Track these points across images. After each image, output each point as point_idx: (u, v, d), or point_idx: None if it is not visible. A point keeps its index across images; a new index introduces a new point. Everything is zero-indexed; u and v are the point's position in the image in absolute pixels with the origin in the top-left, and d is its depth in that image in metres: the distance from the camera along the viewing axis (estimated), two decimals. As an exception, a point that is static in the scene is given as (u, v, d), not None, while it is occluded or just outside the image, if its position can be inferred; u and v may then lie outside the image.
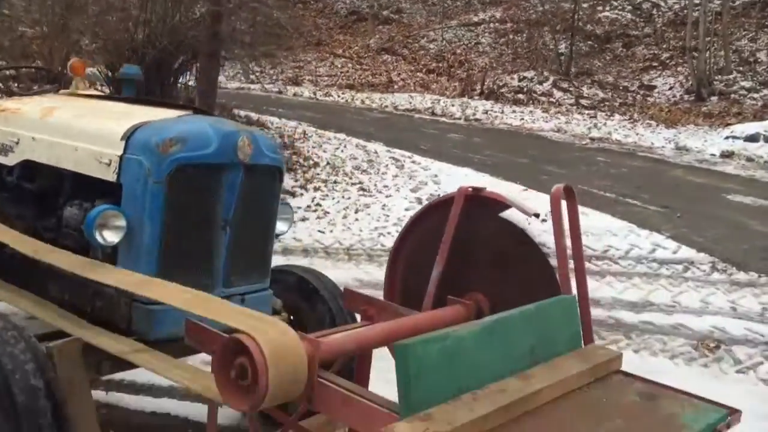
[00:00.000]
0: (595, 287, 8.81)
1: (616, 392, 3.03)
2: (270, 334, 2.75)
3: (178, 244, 3.78)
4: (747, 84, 25.11)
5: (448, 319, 3.57)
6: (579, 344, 3.34)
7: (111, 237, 3.69)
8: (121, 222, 3.69)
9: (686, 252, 9.98)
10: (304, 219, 12.32)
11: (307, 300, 4.79)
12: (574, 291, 3.41)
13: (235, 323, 2.83)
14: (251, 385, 2.70)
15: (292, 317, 4.86)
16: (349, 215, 12.44)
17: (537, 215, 3.51)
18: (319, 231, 11.58)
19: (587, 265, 10.13)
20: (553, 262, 3.53)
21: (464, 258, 3.91)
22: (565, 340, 3.26)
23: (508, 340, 2.96)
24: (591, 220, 11.16)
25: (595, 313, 8.26)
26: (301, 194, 12.74)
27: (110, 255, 3.83)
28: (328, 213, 12.56)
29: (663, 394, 3.05)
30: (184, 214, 3.78)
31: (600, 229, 10.82)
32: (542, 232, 3.84)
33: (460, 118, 23.49)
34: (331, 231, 11.63)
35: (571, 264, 3.46)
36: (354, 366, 3.78)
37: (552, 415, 2.74)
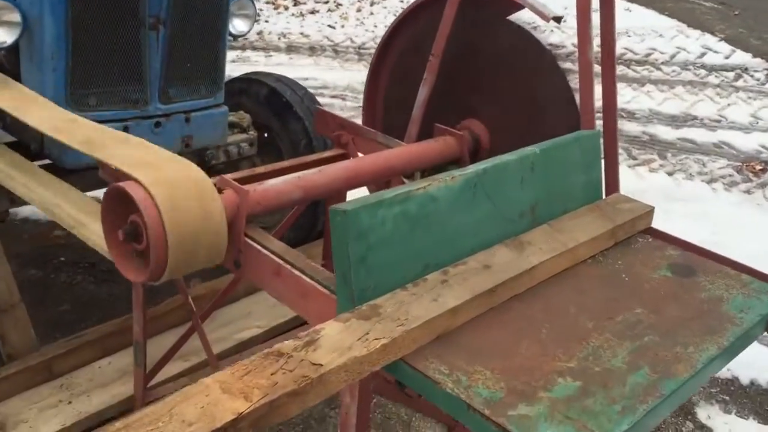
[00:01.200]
0: (632, 97, 7.83)
1: (641, 264, 2.29)
2: (166, 178, 2.01)
3: (91, 47, 2.95)
4: None
5: (434, 154, 2.79)
6: (599, 195, 2.56)
7: (3, 36, 2.86)
8: (15, 16, 2.84)
9: (740, 57, 8.77)
10: (313, 11, 11.14)
11: (279, 116, 4.00)
12: (599, 124, 2.56)
13: (118, 162, 2.09)
14: (147, 249, 2.01)
15: (266, 135, 4.12)
16: (363, 8, 11.22)
17: (558, 19, 2.57)
18: (329, 26, 10.47)
19: (624, 70, 9.06)
20: (576, 82, 2.65)
21: (459, 75, 3.04)
22: (579, 191, 2.47)
23: (501, 196, 2.18)
24: (633, 17, 9.83)
25: (629, 127, 7.36)
26: (311, -18, 11.46)
27: (11, 62, 3.03)
28: (341, 5, 11.34)
29: (703, 267, 2.31)
30: (94, 6, 2.90)
31: (643, 28, 9.53)
32: (564, 40, 2.91)
33: None
34: (343, 26, 10.50)
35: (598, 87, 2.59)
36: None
37: (551, 302, 2.03)
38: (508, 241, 2.18)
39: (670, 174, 6.28)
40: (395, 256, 1.89)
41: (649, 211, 2.52)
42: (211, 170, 4.00)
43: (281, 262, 2.08)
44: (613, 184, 2.62)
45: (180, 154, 3.42)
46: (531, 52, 2.78)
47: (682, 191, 5.96)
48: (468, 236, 2.09)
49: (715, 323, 2.00)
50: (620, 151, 6.71)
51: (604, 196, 2.59)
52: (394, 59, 3.32)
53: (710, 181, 6.20)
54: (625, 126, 7.23)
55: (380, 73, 3.39)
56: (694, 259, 2.36)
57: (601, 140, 2.57)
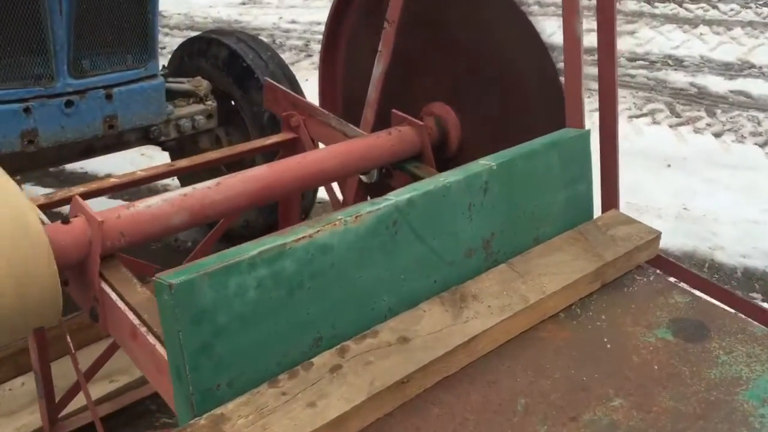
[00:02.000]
0: (681, 41, 6.95)
1: (633, 320, 1.70)
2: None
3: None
4: None
5: (384, 151, 2.19)
6: (587, 214, 1.95)
7: None
8: None
9: (811, -7, 7.74)
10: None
11: (239, 84, 3.43)
12: (591, 122, 1.93)
13: None
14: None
15: (233, 104, 3.56)
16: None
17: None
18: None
19: (675, 9, 8.04)
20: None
21: (424, 48, 2.42)
22: (559, 212, 1.87)
23: (437, 231, 1.60)
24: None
25: (675, 77, 6.52)
26: None
27: None
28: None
29: (719, 323, 1.70)
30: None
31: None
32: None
33: None
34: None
35: (592, 69, 1.94)
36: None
37: (493, 391, 1.47)
38: (445, 295, 1.61)
39: (717, 135, 5.50)
40: (263, 335, 1.34)
41: (654, 239, 1.90)
42: (164, 148, 3.50)
43: (137, 322, 1.56)
44: (610, 200, 2.00)
45: (103, 137, 2.94)
46: (516, 21, 2.13)
47: (730, 157, 5.20)
48: (384, 292, 1.52)
49: (724, 427, 1.42)
50: (661, 107, 5.94)
51: (596, 215, 1.98)
52: (349, 29, 2.70)
53: (765, 144, 5.40)
54: (671, 76, 6.42)
55: (334, 48, 2.78)
56: (708, 310, 1.75)
57: (589, 142, 1.93)
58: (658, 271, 1.88)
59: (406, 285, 1.56)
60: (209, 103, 3.45)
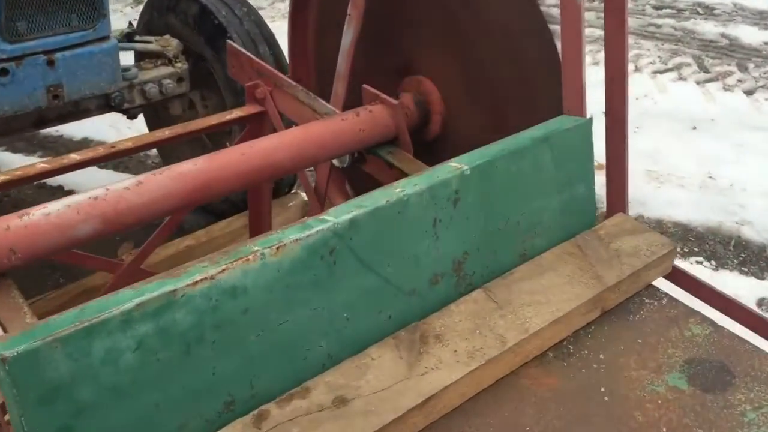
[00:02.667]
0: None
1: (637, 361, 1.37)
2: None
3: None
4: None
5: (351, 136, 1.84)
6: (589, 220, 1.60)
7: None
8: None
9: None
10: None
11: (211, 43, 3.07)
12: (594, 105, 1.56)
13: None
14: None
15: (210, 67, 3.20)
16: None
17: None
18: None
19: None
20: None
21: (400, 11, 2.04)
22: (551, 221, 1.52)
23: (390, 257, 1.27)
24: None
25: (705, 28, 6.01)
26: None
27: None
28: None
29: (746, 364, 1.37)
30: None
31: None
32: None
33: None
34: None
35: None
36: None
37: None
38: (402, 335, 1.29)
39: (749, 93, 5.03)
40: (148, 408, 1.04)
41: (668, 254, 1.55)
42: (129, 116, 3.16)
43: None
44: (617, 201, 1.65)
45: (47, 108, 2.62)
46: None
47: (762, 118, 4.75)
48: (320, 336, 1.21)
49: None
50: (689, 61, 5.46)
51: (598, 222, 1.63)
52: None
53: (801, 106, 4.94)
54: (700, 27, 5.91)
55: (305, 8, 2.39)
56: (733, 347, 1.41)
57: (591, 133, 1.57)
58: (670, 294, 1.54)
59: (351, 325, 1.24)
60: (179, 65, 3.11)
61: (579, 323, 1.41)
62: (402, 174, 1.86)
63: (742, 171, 4.15)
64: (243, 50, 2.41)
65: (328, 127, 1.82)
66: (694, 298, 1.63)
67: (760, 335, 1.55)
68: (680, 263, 3.50)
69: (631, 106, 4.94)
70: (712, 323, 1.47)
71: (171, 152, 3.57)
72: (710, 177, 4.13)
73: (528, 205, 1.47)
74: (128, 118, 3.11)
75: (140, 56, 3.17)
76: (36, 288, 2.50)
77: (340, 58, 2.04)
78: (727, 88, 5.07)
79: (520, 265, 1.46)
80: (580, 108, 1.53)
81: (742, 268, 3.45)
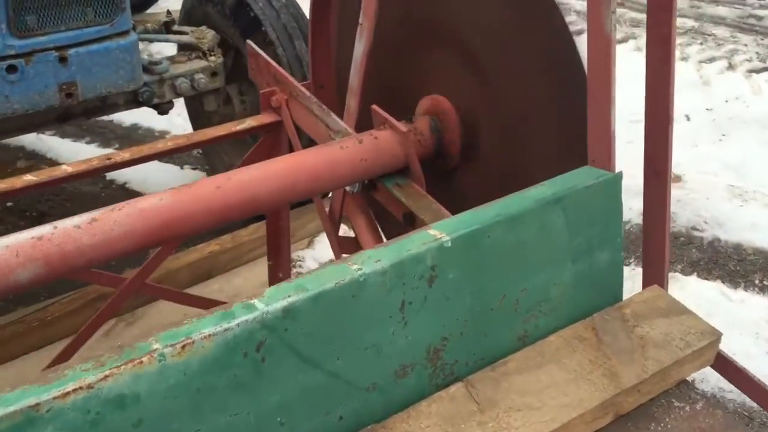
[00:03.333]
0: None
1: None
2: None
3: None
4: None
5: (353, 168, 1.61)
6: (614, 296, 1.32)
7: None
8: None
9: None
10: None
11: (246, 37, 2.87)
12: (622, 156, 1.27)
13: None
14: None
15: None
16: None
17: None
18: None
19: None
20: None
21: (420, 22, 1.78)
22: (563, 296, 1.25)
23: (340, 348, 1.04)
24: None
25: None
26: None
27: None
28: None
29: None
30: None
31: None
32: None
33: None
34: None
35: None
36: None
37: None
38: None
39: None
40: None
41: (710, 344, 1.25)
42: (160, 112, 3.01)
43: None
44: (655, 272, 1.35)
45: (60, 107, 2.48)
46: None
47: None
48: (243, 448, 0.99)
49: None
50: None
51: (626, 296, 1.34)
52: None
53: None
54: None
55: (325, 16, 2.15)
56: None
57: (620, 187, 1.28)
58: (707, 392, 1.24)
59: (288, 430, 1.02)
60: (213, 58, 2.94)
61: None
62: (408, 211, 1.62)
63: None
64: (261, 52, 2.19)
65: (323, 156, 1.59)
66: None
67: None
68: (757, 298, 3.12)
69: (720, 110, 4.52)
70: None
71: (212, 148, 3.43)
72: (803, 197, 3.66)
73: (531, 279, 1.20)
74: (159, 113, 2.97)
75: (181, 47, 3.02)
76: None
77: (352, 72, 1.80)
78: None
79: (517, 351, 1.20)
80: (607, 159, 1.24)
81: (830, 310, 3.02)
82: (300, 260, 3.11)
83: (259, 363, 0.97)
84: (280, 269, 2.53)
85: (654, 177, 1.31)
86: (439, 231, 1.10)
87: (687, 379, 1.26)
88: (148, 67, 2.76)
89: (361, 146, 1.63)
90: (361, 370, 1.07)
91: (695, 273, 3.21)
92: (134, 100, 2.79)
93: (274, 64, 2.14)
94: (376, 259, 1.05)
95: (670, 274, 3.23)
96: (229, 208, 1.48)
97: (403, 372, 1.11)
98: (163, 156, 2.06)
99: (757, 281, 3.17)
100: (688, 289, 2.99)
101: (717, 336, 1.26)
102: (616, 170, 1.26)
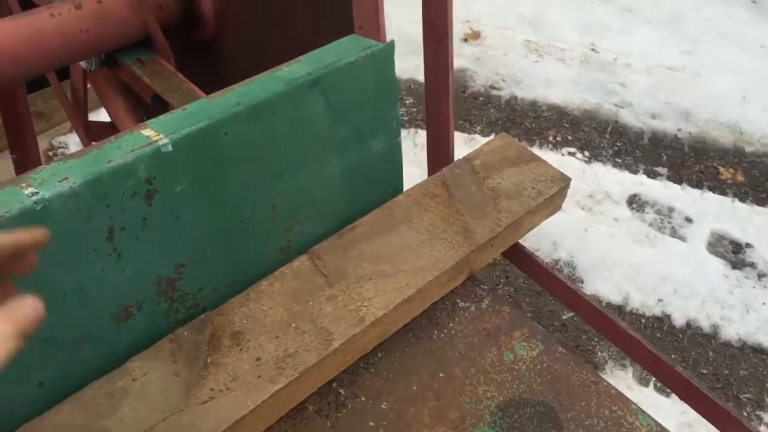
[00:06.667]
0: None
1: (429, 416, 0.96)
2: None
3: None
4: None
5: (74, 44, 1.25)
6: (395, 185, 1.14)
7: None
8: None
9: None
10: None
11: None
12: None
13: None
14: None
15: None
16: None
17: None
18: None
19: None
20: None
21: None
22: (335, 192, 1.05)
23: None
24: None
25: None
26: None
27: None
28: None
29: (578, 401, 0.99)
30: None
31: None
32: None
33: None
34: None
35: None
36: None
37: None
38: (183, 335, 0.85)
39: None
40: None
41: (559, 191, 1.13)
42: None
43: None
44: (440, 153, 1.18)
45: None
46: None
47: (655, -22, 4.30)
48: None
49: None
50: None
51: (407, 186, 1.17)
52: None
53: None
54: None
55: None
56: (566, 376, 1.03)
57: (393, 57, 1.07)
58: (497, 287, 1.13)
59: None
60: None
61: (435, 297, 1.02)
62: (155, 92, 1.32)
63: (627, 42, 3.75)
64: None
65: (24, 28, 1.22)
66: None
67: (607, 337, 1.18)
68: (551, 155, 3.15)
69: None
70: (543, 337, 1.07)
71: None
72: (593, 49, 3.71)
73: (287, 181, 0.97)
74: None
75: None
76: None
77: None
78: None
79: (282, 265, 1.00)
80: (376, 25, 1.01)
81: (616, 160, 3.13)
82: (63, 147, 2.68)
83: None
84: (29, 163, 2.13)
85: (435, 44, 1.10)
86: (156, 131, 0.83)
87: (475, 272, 1.13)
88: None
89: (80, 12, 1.27)
90: (62, 323, 0.81)
91: (493, 133, 3.18)
92: None
93: None
94: (62, 177, 0.77)
95: (470, 137, 3.19)
96: None
97: (125, 314, 0.87)
98: None
99: (551, 138, 3.20)
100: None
101: (567, 181, 1.16)
102: (387, 38, 1.03)
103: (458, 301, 1.10)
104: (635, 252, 2.67)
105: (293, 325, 0.91)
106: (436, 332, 1.06)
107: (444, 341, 1.04)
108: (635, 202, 2.91)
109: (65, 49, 1.24)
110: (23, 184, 0.76)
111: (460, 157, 1.18)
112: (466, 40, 3.58)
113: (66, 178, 0.77)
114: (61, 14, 1.24)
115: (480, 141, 3.08)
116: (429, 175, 1.17)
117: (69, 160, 0.79)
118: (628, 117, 3.33)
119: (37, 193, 0.75)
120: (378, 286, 0.97)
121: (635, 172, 3.06)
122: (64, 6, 1.26)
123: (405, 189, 1.14)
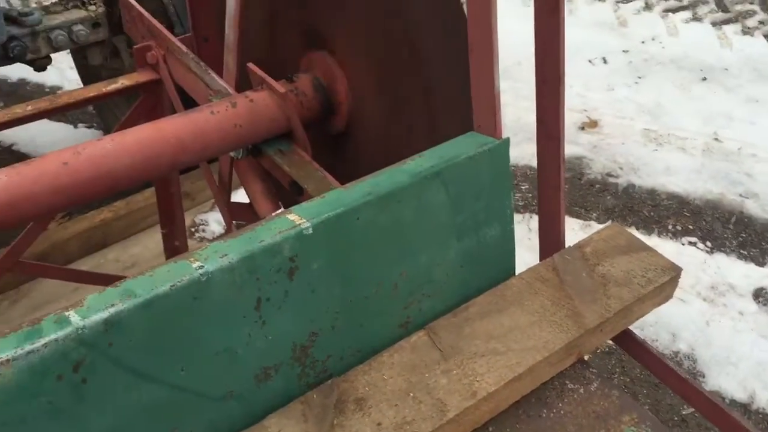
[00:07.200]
0: None
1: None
2: None
3: None
4: None
5: (226, 136, 1.44)
6: (506, 270, 1.22)
7: None
8: None
9: None
10: None
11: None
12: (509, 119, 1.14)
13: None
14: None
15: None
16: None
17: None
18: None
19: None
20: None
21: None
22: (451, 273, 1.14)
23: (192, 353, 0.90)
24: None
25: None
26: None
27: None
28: None
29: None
30: None
31: None
32: None
33: None
34: None
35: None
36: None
37: None
38: (312, 398, 0.97)
39: (771, 36, 4.49)
40: None
41: (670, 281, 1.18)
42: (36, 68, 2.74)
43: None
44: (551, 241, 1.25)
45: None
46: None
47: (783, 67, 4.23)
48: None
49: None
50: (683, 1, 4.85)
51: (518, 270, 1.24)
52: None
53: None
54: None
55: None
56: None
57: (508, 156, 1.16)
58: (604, 373, 1.17)
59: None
60: (93, 7, 2.67)
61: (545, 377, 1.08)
62: (293, 179, 1.48)
63: (753, 132, 3.68)
64: (134, 2, 1.98)
65: (190, 124, 1.42)
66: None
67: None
68: (670, 244, 3.11)
69: (635, 51, 4.44)
70: (654, 424, 1.09)
71: (104, 104, 3.18)
72: (716, 139, 3.67)
73: (409, 262, 1.08)
74: (35, 70, 2.70)
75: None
76: None
77: (226, 26, 1.62)
78: (746, 31, 4.52)
79: (401, 338, 1.09)
80: (493, 124, 1.11)
81: (741, 251, 3.04)
82: (203, 224, 2.94)
83: (79, 385, 0.83)
84: (175, 238, 2.36)
85: (546, 140, 1.19)
86: (299, 216, 0.97)
87: (584, 357, 1.18)
88: (18, 19, 2.49)
89: (235, 110, 1.46)
90: (213, 379, 0.93)
91: (610, 221, 3.18)
92: (5, 56, 2.52)
93: (147, 15, 1.93)
94: (222, 253, 0.91)
95: (586, 223, 3.21)
96: (81, 186, 1.31)
97: (265, 375, 0.98)
98: (19, 124, 1.84)
99: (670, 226, 3.16)
100: (602, 239, 2.95)
101: (677, 271, 1.20)
102: (504, 130, 1.14)
103: (567, 382, 1.15)
104: (762, 347, 2.56)
105: (411, 394, 1.00)
106: (545, 411, 1.10)
107: (553, 420, 1.09)
108: (762, 296, 2.81)
109: (222, 141, 1.43)
110: (191, 259, 0.90)
111: (572, 244, 1.25)
112: (582, 128, 3.65)
113: (226, 255, 0.90)
114: (220, 112, 1.44)
115: (596, 227, 3.10)
116: (540, 260, 1.25)
117: (229, 239, 0.93)
118: (753, 208, 3.25)
119: (203, 267, 0.89)
120: (490, 363, 1.04)
121: (762, 264, 2.96)
122: (222, 104, 1.46)
123: (517, 272, 1.21)
